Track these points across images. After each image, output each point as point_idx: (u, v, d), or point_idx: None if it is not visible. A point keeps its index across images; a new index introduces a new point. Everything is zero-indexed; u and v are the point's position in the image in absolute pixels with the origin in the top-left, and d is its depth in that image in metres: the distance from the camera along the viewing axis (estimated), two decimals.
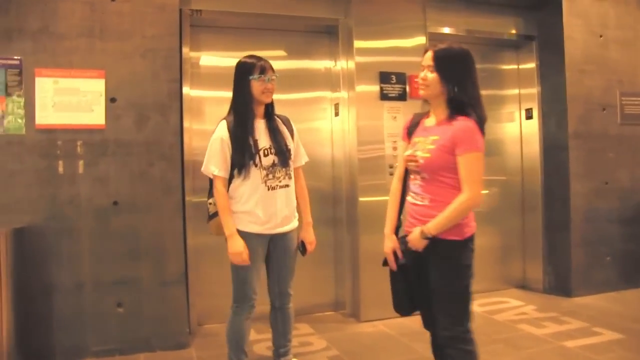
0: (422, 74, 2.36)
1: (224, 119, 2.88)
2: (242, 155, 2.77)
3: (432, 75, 2.32)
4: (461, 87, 2.29)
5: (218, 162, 2.79)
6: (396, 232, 2.53)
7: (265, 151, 2.84)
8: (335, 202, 4.74)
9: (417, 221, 2.36)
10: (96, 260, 3.65)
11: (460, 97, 2.28)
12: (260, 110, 2.90)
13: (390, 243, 2.48)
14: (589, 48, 5.12)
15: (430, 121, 2.43)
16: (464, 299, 2.33)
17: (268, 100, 2.89)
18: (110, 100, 3.70)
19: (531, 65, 5.39)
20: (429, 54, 2.34)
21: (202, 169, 2.86)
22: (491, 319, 4.37)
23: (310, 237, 3.07)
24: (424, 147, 2.34)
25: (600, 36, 5.18)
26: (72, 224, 3.62)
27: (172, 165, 3.81)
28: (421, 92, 2.39)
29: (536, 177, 5.32)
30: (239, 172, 2.79)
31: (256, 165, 2.80)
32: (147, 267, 3.74)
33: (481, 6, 5.07)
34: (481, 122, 2.27)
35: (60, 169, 3.60)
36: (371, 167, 4.45)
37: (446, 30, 4.95)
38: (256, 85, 2.82)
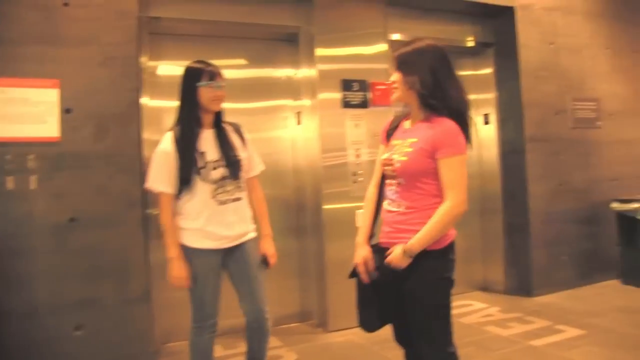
0: (391, 77, 2.22)
1: (170, 129, 2.67)
2: (188, 169, 2.57)
3: (396, 76, 2.17)
4: (425, 84, 2.10)
5: (163, 178, 2.60)
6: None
7: (214, 164, 2.63)
8: (299, 211, 4.62)
9: (391, 230, 2.18)
10: (52, 281, 3.38)
11: (425, 94, 2.11)
12: (208, 119, 2.69)
13: (362, 252, 2.25)
14: (542, 55, 5.21)
15: (408, 123, 2.25)
16: (444, 315, 2.12)
17: (218, 108, 2.68)
18: (66, 111, 3.44)
19: (488, 70, 5.45)
20: (393, 58, 2.22)
21: (146, 184, 2.66)
22: (458, 322, 4.31)
23: (270, 249, 2.85)
24: (401, 150, 2.15)
25: (552, 44, 5.28)
26: (24, 243, 3.33)
27: (133, 178, 3.59)
28: (393, 97, 2.23)
29: (495, 181, 5.37)
30: (186, 188, 2.59)
31: (203, 180, 2.59)
32: (108, 285, 3.51)
33: (441, 14, 5.08)
34: (460, 121, 2.10)
35: (10, 185, 3.31)
36: (335, 174, 4.35)
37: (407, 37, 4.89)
38: (205, 93, 2.61)
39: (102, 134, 3.52)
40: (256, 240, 2.82)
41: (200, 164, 2.59)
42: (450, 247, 2.16)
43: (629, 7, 5.83)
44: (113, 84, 3.57)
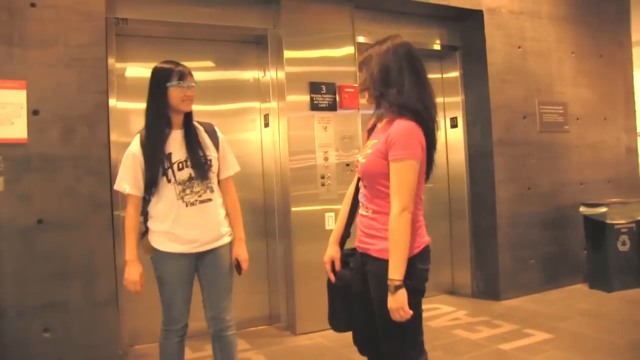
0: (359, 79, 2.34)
1: (140, 131, 2.77)
2: (153, 170, 2.68)
3: (361, 76, 2.29)
4: (373, 80, 2.18)
5: (130, 179, 2.70)
6: (344, 243, 2.46)
7: (180, 164, 2.71)
8: (267, 213, 4.92)
9: (362, 234, 2.25)
10: (20, 283, 3.60)
11: (372, 92, 2.20)
12: (178, 119, 2.77)
13: (330, 252, 2.41)
14: (509, 59, 5.61)
15: (381, 124, 2.29)
16: (411, 325, 2.08)
17: (188, 109, 2.77)
18: (33, 112, 3.68)
19: (455, 74, 5.84)
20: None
21: (115, 186, 2.78)
22: (426, 326, 4.51)
23: (243, 254, 2.92)
24: (364, 152, 2.25)
25: (519, 47, 5.69)
26: None
27: (101, 180, 3.85)
28: (365, 98, 2.32)
29: (462, 184, 5.74)
30: (153, 189, 2.71)
31: (169, 181, 2.69)
32: (76, 288, 3.75)
33: (407, 17, 5.44)
34: (420, 123, 2.10)
35: None
36: (303, 177, 4.65)
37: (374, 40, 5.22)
38: (175, 93, 2.69)
39: (70, 136, 3.77)
40: (229, 245, 2.90)
41: (166, 164, 2.68)
42: (419, 256, 2.14)
43: (594, 11, 6.29)
44: (81, 85, 3.82)
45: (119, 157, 4.09)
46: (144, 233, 2.82)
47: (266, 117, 4.89)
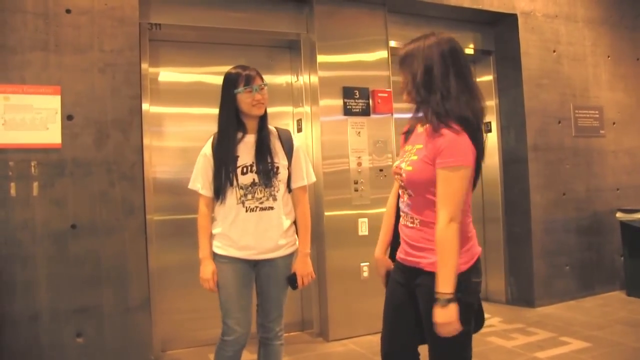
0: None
1: (214, 134, 2.71)
2: (218, 173, 2.60)
3: (402, 77, 2.07)
4: (416, 83, 1.98)
5: (200, 179, 2.66)
6: (393, 254, 2.26)
7: (244, 169, 2.60)
8: None
9: (409, 247, 2.07)
10: (53, 288, 3.50)
11: (415, 96, 2.02)
12: (252, 124, 2.66)
13: (381, 266, 2.33)
14: (544, 63, 5.37)
15: (421, 126, 2.10)
16: (461, 345, 1.98)
17: (259, 112, 2.63)
18: (67, 117, 3.58)
19: (488, 78, 5.60)
20: None
21: (189, 184, 2.72)
22: None
23: (304, 268, 2.70)
24: (408, 158, 2.04)
25: (554, 51, 5.43)
26: (26, 250, 3.45)
27: (134, 185, 3.72)
28: (404, 99, 2.11)
29: (496, 189, 5.50)
30: (217, 192, 2.63)
31: (232, 185, 2.58)
32: (109, 293, 3.63)
33: (440, 21, 5.24)
34: (468, 126, 1.91)
35: (13, 192, 3.44)
36: (336, 181, 4.48)
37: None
38: (243, 99, 2.58)
39: (103, 141, 3.66)
40: (291, 258, 2.72)
41: (230, 168, 2.59)
42: (474, 269, 1.99)
43: (630, 14, 6.00)
44: (114, 90, 3.71)
45: (152, 162, 4.04)
46: None
47: (299, 122, 4.73)
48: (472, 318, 2.01)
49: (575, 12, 5.61)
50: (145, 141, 3.92)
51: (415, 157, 2.00)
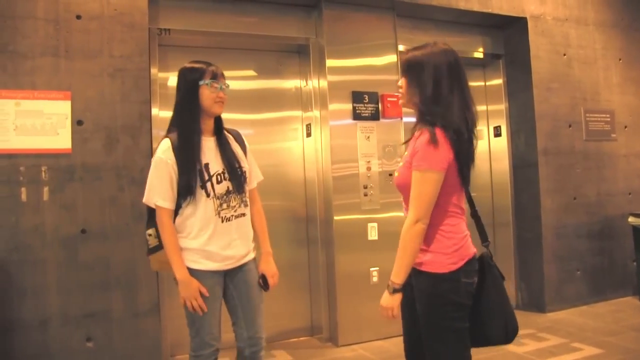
0: (399, 82, 2.17)
1: (166, 137, 2.43)
2: (189, 182, 2.35)
3: (403, 81, 2.12)
4: (424, 99, 2.03)
5: (162, 191, 2.37)
6: None
7: (218, 177, 2.43)
8: (309, 222, 4.73)
9: None
10: (63, 292, 3.50)
11: (423, 110, 2.05)
12: (209, 125, 2.49)
13: None
14: (554, 66, 5.32)
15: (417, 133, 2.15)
16: (449, 339, 2.03)
17: (220, 112, 2.48)
18: (77, 122, 3.59)
19: (498, 82, 5.57)
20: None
21: (144, 199, 2.44)
22: None
23: (271, 269, 2.60)
24: (400, 164, 2.16)
25: (564, 55, 5.39)
26: (36, 254, 3.46)
27: (143, 190, 3.61)
28: (400, 102, 2.19)
29: (506, 194, 5.46)
30: (187, 203, 2.38)
31: (208, 195, 2.39)
32: (118, 297, 3.62)
33: (450, 25, 5.21)
34: (460, 136, 1.97)
35: (23, 197, 3.45)
36: (345, 186, 4.45)
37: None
38: (207, 94, 2.41)
39: (113, 146, 3.66)
40: (255, 259, 2.63)
41: (205, 176, 2.40)
42: (464, 270, 2.02)
43: None
44: (124, 95, 3.71)
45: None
46: (155, 248, 2.51)
47: (308, 126, 4.71)
48: (465, 317, 2.04)
49: (585, 15, 5.56)
50: (155, 146, 3.88)
51: (401, 163, 2.12)
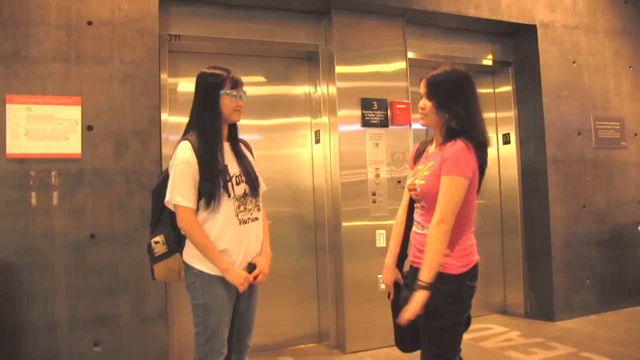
0: (420, 103, 2.30)
1: (185, 139, 2.44)
2: (212, 183, 2.37)
3: (428, 104, 2.26)
4: (453, 113, 2.20)
5: (185, 191, 2.36)
6: (401, 265, 2.45)
7: (237, 179, 2.46)
8: (317, 229, 4.70)
9: (417, 251, 2.30)
10: (72, 297, 3.49)
11: (452, 123, 2.21)
12: (224, 130, 2.52)
13: (389, 274, 2.43)
14: (563, 74, 5.28)
15: (432, 147, 2.37)
16: (449, 343, 2.19)
17: (238, 119, 2.54)
18: (87, 128, 3.60)
19: (507, 89, 5.53)
20: (423, 82, 2.29)
21: (167, 198, 2.40)
22: (478, 347, 4.36)
23: (266, 266, 2.54)
24: (421, 174, 2.28)
25: (574, 62, 5.35)
26: (45, 259, 3.46)
27: None
28: (421, 122, 2.34)
29: (515, 201, 5.41)
30: (208, 203, 2.37)
31: (229, 195, 2.41)
32: (127, 302, 3.61)
33: (459, 33, 5.20)
34: (477, 145, 2.17)
35: (33, 201, 3.46)
36: (354, 192, 4.43)
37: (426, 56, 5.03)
38: (227, 103, 2.45)
39: (123, 151, 3.66)
40: None
41: (226, 177, 2.44)
42: (469, 274, 2.20)
43: None
44: (134, 101, 3.71)
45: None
46: (162, 256, 2.52)
47: (317, 133, 4.69)
48: (462, 319, 2.21)
49: (595, 23, 5.52)
50: (164, 151, 3.89)
51: (427, 173, 2.24)
